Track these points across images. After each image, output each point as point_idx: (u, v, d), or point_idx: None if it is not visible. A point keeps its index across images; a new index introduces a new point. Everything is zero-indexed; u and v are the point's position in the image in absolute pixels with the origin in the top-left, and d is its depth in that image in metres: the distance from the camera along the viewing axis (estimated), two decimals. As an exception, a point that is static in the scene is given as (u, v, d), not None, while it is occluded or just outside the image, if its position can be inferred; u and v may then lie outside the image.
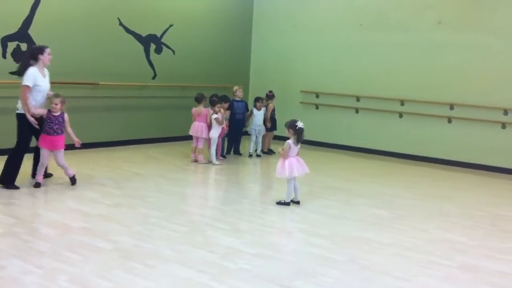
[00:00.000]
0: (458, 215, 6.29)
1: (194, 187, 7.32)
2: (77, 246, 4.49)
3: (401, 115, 10.28)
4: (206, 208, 6.09)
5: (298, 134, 6.16)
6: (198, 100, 8.59)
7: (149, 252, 4.46)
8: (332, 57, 11.07)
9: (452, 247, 5.06)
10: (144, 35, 9.96)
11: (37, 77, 6.24)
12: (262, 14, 12.11)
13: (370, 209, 6.30)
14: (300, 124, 6.15)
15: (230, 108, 9.19)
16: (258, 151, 9.68)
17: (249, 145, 9.66)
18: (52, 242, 4.58)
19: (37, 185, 6.38)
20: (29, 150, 6.48)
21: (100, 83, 9.17)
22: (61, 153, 6.47)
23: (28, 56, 6.44)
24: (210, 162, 8.54)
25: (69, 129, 6.48)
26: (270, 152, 9.93)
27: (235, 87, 9.64)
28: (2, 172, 6.31)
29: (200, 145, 8.56)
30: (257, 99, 9.65)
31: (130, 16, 9.65)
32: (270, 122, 9.80)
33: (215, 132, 8.48)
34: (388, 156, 10.31)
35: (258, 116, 9.57)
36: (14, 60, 8.10)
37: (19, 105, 6.25)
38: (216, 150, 8.65)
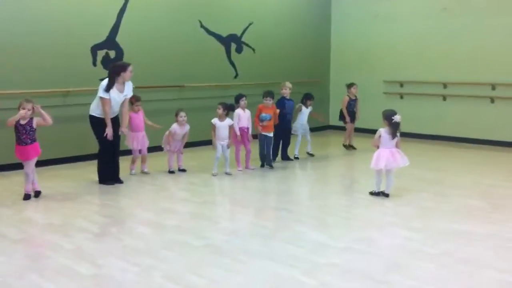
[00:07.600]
0: None
1: (277, 183, 7.27)
2: (171, 243, 4.63)
3: (492, 100, 9.72)
4: (291, 204, 6.06)
5: (393, 128, 5.94)
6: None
7: (239, 248, 4.51)
8: (415, 44, 10.65)
9: (558, 237, 4.72)
10: (224, 35, 10.11)
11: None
12: (340, 5, 11.92)
13: (465, 200, 6.00)
14: (397, 118, 5.89)
15: (279, 106, 8.09)
16: (309, 150, 8.84)
17: (295, 146, 8.61)
18: (146, 240, 4.75)
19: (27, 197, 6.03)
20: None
21: (185, 85, 9.42)
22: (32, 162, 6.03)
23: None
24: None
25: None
26: (351, 148, 9.47)
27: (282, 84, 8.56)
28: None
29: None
30: (307, 97, 8.77)
31: (211, 17, 9.82)
32: (349, 116, 9.40)
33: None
34: (480, 144, 9.79)
35: (305, 114, 8.73)
36: (104, 68, 8.49)
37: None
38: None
